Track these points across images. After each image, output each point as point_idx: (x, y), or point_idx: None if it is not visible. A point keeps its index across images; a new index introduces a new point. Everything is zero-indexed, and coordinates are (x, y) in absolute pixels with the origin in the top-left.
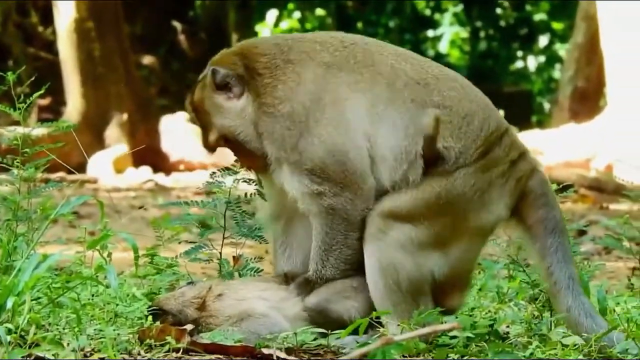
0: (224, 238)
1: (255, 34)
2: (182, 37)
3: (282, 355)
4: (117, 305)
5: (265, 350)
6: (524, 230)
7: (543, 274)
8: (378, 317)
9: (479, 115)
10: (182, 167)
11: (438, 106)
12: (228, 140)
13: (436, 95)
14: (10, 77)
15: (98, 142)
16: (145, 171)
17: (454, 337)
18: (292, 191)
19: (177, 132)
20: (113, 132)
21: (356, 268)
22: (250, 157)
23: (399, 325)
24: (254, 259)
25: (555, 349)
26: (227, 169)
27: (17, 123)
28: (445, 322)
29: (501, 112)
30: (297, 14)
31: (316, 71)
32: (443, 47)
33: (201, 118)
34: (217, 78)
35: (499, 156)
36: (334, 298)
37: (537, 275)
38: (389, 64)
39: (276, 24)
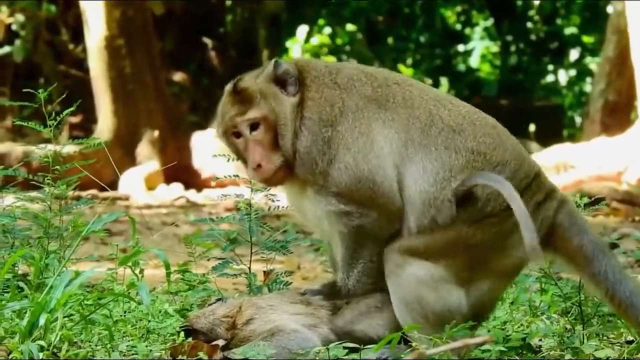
0: (251, 253)
1: (285, 50)
2: (212, 54)
3: None
4: (149, 321)
5: None
6: (567, 262)
7: (603, 298)
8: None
9: (511, 165)
10: (213, 183)
11: (472, 152)
12: (263, 127)
13: (471, 141)
14: (42, 94)
15: (129, 159)
16: (177, 188)
17: (487, 350)
18: (317, 210)
19: (208, 148)
20: (144, 149)
21: (377, 281)
22: (271, 152)
23: (430, 339)
24: (285, 273)
25: None
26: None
27: (48, 141)
28: (478, 336)
29: (532, 127)
30: (327, 30)
31: (358, 103)
32: (474, 61)
33: (243, 100)
34: (279, 70)
35: (524, 202)
36: (358, 319)
37: (569, 288)
38: (427, 109)
39: (307, 40)
